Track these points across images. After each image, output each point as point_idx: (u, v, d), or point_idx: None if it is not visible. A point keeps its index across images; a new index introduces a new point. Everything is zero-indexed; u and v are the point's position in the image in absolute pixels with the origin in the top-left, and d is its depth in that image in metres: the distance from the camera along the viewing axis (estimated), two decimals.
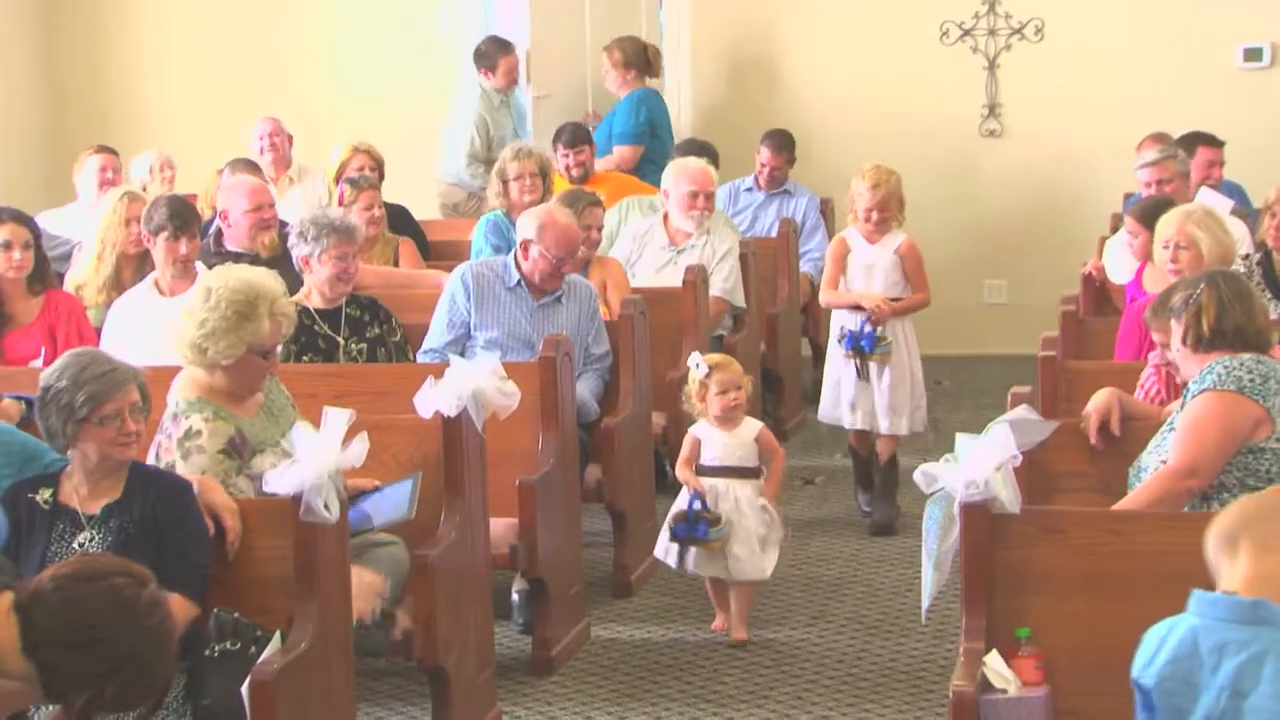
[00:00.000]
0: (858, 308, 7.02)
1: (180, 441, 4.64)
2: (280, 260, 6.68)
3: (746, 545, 5.81)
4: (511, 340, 6.36)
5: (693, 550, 5.83)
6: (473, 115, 9.74)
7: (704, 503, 5.79)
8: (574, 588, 6.05)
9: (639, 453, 6.67)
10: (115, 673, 2.89)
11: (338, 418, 4.38)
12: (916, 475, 4.27)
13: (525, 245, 6.44)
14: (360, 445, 4.38)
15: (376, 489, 4.94)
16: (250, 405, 4.80)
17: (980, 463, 4.20)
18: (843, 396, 7.12)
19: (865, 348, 7.02)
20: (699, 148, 8.86)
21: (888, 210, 6.97)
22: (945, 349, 10.28)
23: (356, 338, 6.35)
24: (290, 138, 9.23)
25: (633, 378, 6.63)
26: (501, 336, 6.41)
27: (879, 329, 6.99)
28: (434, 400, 5.08)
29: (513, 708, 5.50)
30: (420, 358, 6.44)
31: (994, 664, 4.15)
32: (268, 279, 4.80)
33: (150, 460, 4.64)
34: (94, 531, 4.23)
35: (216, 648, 4.21)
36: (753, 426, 5.91)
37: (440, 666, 4.99)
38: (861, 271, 7.06)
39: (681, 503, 5.85)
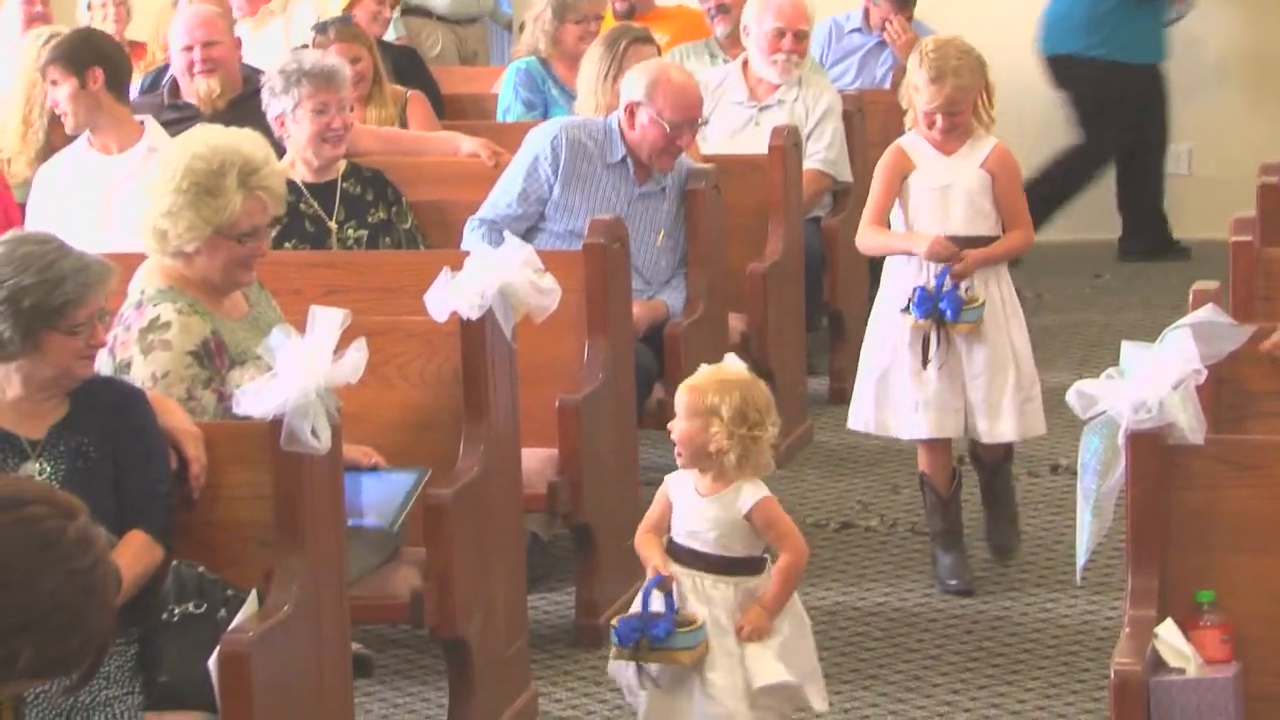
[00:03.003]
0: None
1: (143, 332, 4.65)
2: (244, 117, 6.68)
3: (730, 677, 4.56)
4: None
5: (648, 669, 4.57)
6: None
7: (670, 594, 4.61)
8: (629, 537, 6.07)
9: None
10: (32, 628, 2.89)
11: (328, 320, 4.39)
12: (1070, 395, 4.27)
13: (631, 109, 6.45)
14: (356, 355, 4.39)
15: (374, 468, 4.94)
16: (232, 308, 4.82)
17: (1153, 380, 4.19)
18: (900, 391, 6.01)
19: (947, 313, 5.91)
20: None
21: (959, 114, 5.92)
22: (1106, 233, 10.22)
23: (355, 222, 6.36)
24: None
25: (704, 271, 6.63)
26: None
27: (965, 285, 5.94)
28: (451, 298, 5.10)
29: (551, 688, 5.55)
30: (468, 230, 6.43)
31: (1168, 636, 4.15)
32: (244, 141, 4.80)
33: (101, 362, 4.59)
34: (45, 461, 4.25)
35: (176, 611, 4.24)
36: (747, 494, 4.61)
37: (460, 637, 5.03)
38: (932, 197, 5.99)
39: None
